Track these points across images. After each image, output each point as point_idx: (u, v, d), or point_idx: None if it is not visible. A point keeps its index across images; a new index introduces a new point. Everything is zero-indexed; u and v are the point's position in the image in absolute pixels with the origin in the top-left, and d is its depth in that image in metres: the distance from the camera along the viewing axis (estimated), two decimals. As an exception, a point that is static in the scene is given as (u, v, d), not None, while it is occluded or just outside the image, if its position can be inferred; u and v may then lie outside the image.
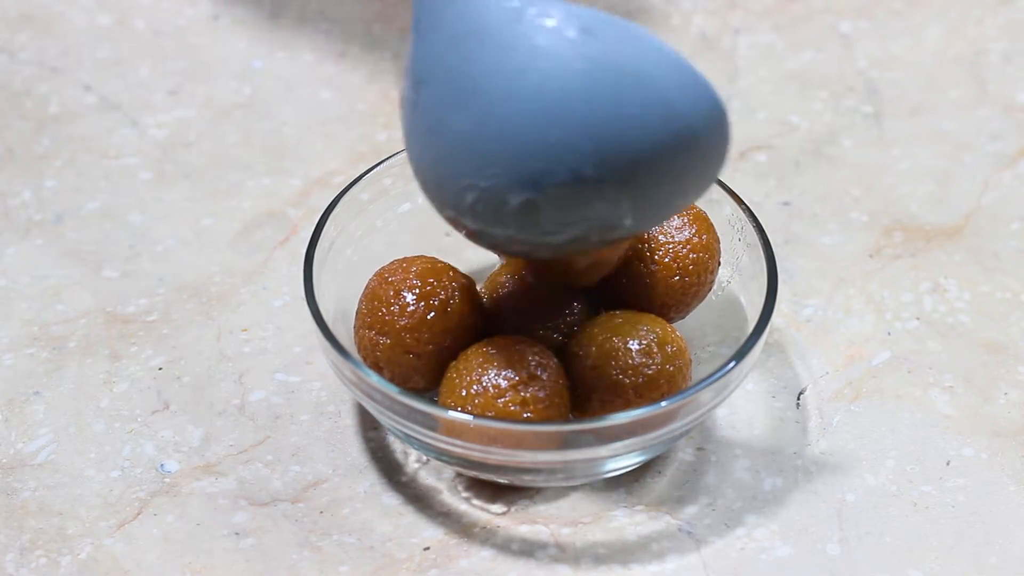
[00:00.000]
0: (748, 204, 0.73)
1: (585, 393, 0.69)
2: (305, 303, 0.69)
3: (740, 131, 0.88)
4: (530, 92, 0.61)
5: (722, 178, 0.74)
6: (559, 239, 0.65)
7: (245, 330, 0.78)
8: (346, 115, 0.89)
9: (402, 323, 0.69)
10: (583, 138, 0.62)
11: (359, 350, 0.70)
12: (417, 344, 0.69)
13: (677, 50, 0.62)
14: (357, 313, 0.71)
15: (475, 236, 0.66)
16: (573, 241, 0.65)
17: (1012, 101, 0.91)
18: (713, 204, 0.74)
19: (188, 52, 0.93)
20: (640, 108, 0.61)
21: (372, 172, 0.75)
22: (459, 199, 0.65)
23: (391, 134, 0.88)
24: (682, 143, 0.62)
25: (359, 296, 0.72)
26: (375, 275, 0.71)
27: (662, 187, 0.64)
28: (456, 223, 0.66)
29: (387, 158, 0.75)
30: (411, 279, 0.70)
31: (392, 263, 0.71)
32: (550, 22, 0.61)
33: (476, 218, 0.65)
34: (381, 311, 0.70)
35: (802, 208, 0.84)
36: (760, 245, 0.71)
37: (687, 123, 0.62)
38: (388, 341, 0.69)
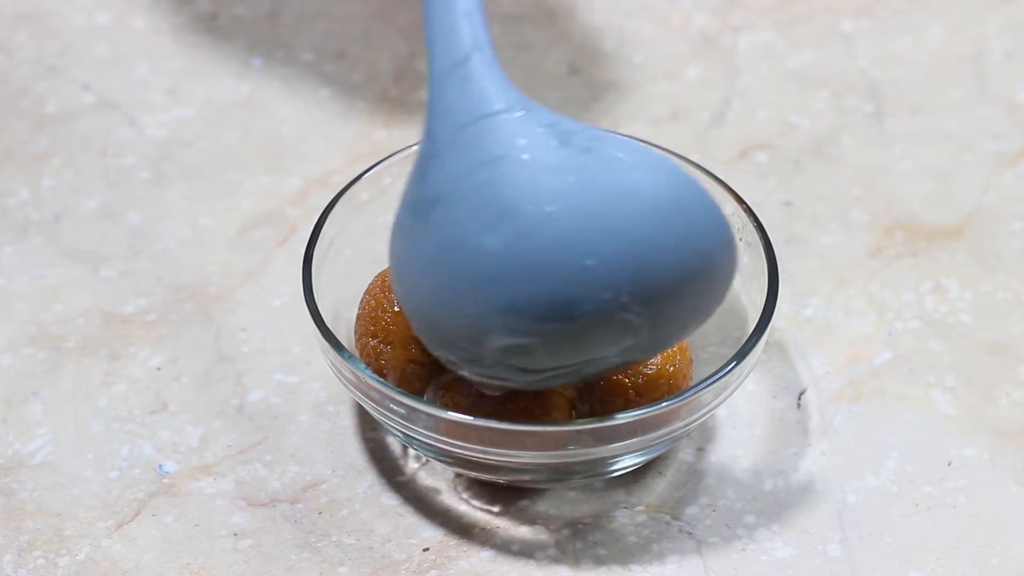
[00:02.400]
0: (749, 204, 0.73)
1: (585, 393, 0.69)
2: (304, 303, 0.69)
3: (740, 130, 0.88)
4: (571, 216, 0.60)
5: (722, 177, 0.74)
6: (574, 369, 0.64)
7: (244, 330, 0.77)
8: (345, 114, 0.89)
9: (408, 333, 0.69)
10: (622, 267, 0.61)
11: (361, 357, 0.70)
12: (422, 353, 0.69)
13: (695, 178, 0.62)
14: (358, 320, 0.71)
15: (473, 365, 0.64)
16: (583, 370, 0.64)
17: (1014, 100, 0.90)
18: (714, 203, 0.73)
19: (187, 51, 0.92)
20: (675, 238, 0.61)
21: (371, 171, 0.74)
22: (470, 327, 0.62)
23: (390, 133, 0.87)
24: (706, 271, 0.62)
25: (359, 296, 0.71)
26: (375, 282, 0.71)
27: (680, 316, 0.63)
28: (458, 355, 0.64)
29: (386, 157, 0.75)
30: None
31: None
32: (594, 145, 0.61)
33: (483, 348, 0.63)
34: (385, 320, 0.69)
35: (803, 208, 0.84)
36: (761, 245, 0.71)
37: (710, 251, 0.62)
38: (392, 350, 0.69)
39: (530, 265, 0.61)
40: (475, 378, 0.65)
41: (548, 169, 0.61)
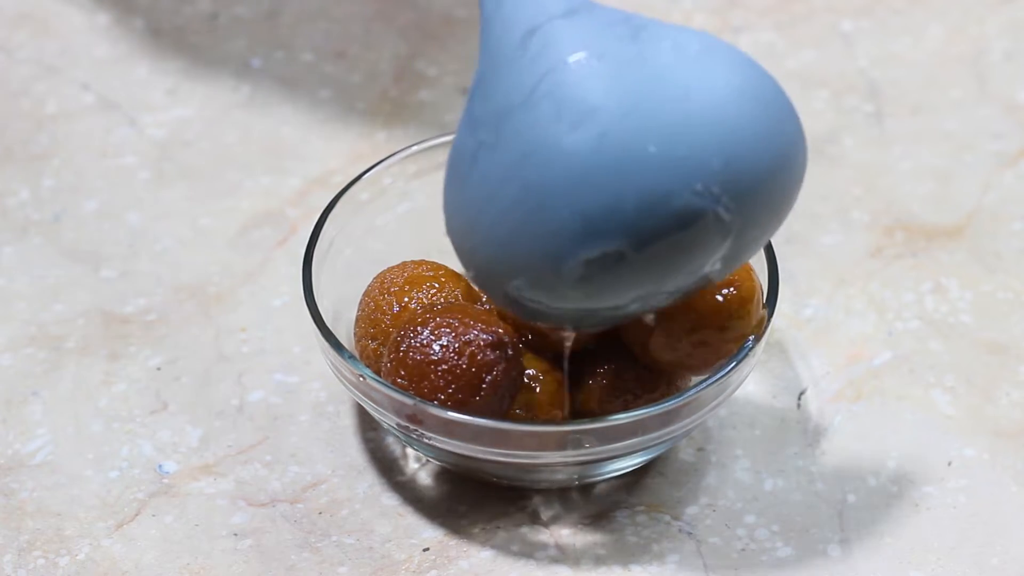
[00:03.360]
0: (749, 203, 0.73)
1: (585, 393, 0.69)
2: (304, 303, 0.69)
3: (740, 130, 0.88)
4: (654, 109, 0.59)
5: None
6: (656, 291, 0.62)
7: (244, 330, 0.77)
8: (345, 114, 0.89)
9: None
10: (711, 156, 0.59)
11: (360, 359, 0.70)
12: None
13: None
14: (357, 322, 0.71)
15: (551, 294, 0.61)
16: (664, 291, 0.62)
17: (1014, 100, 0.90)
18: (714, 203, 0.73)
19: (186, 51, 0.92)
20: (759, 127, 0.60)
21: (371, 172, 0.74)
22: (556, 239, 0.60)
23: (390, 133, 0.87)
24: (787, 164, 0.61)
25: (359, 297, 0.71)
26: (374, 283, 0.71)
27: (763, 216, 0.62)
28: (534, 284, 0.61)
29: (386, 157, 0.75)
30: (411, 288, 0.70)
31: (390, 269, 0.71)
32: (667, 37, 0.60)
33: (567, 266, 0.60)
34: (384, 322, 0.69)
35: (803, 208, 0.84)
36: (761, 245, 0.71)
37: (790, 143, 0.61)
38: None
39: (618, 161, 0.58)
40: (550, 313, 0.62)
41: (624, 63, 0.59)
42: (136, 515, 0.70)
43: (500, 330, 0.66)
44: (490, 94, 0.60)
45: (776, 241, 0.73)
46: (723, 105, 0.59)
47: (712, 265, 0.62)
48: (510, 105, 0.60)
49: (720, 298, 0.66)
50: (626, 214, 0.59)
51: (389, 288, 0.70)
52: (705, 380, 0.67)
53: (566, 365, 0.69)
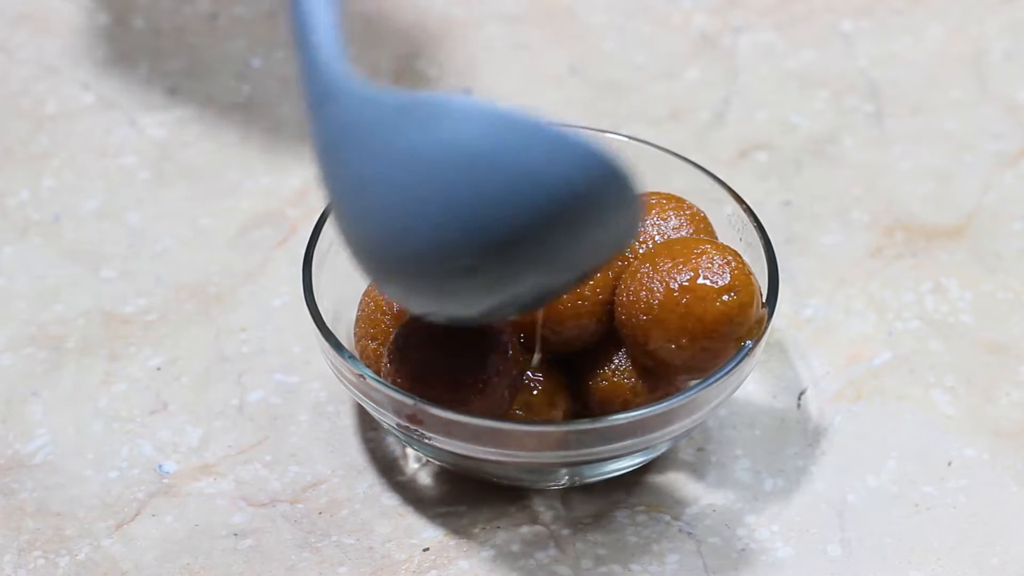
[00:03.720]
0: (748, 204, 0.73)
1: (585, 393, 0.69)
2: (304, 303, 0.69)
3: (740, 130, 0.88)
4: (390, 180, 0.59)
5: (722, 178, 0.74)
6: (481, 309, 0.63)
7: (244, 330, 0.77)
8: (345, 114, 0.89)
9: None
10: (451, 225, 0.58)
11: (361, 359, 0.70)
12: None
13: (543, 121, 0.58)
14: (357, 322, 0.71)
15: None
16: (498, 310, 0.63)
17: (1014, 100, 0.90)
18: (713, 204, 0.73)
19: (187, 51, 0.92)
20: (498, 191, 0.57)
21: (371, 171, 0.74)
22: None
23: (390, 133, 0.87)
24: (562, 211, 0.58)
25: (359, 297, 0.71)
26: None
27: (562, 253, 0.60)
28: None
29: (386, 157, 0.75)
30: None
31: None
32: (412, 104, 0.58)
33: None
34: (384, 323, 0.69)
35: (803, 208, 0.84)
36: (761, 245, 0.71)
37: (560, 191, 0.58)
38: None
39: (370, 218, 0.60)
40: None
41: (369, 128, 0.59)
42: (136, 515, 0.70)
43: (499, 329, 0.66)
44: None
45: (776, 241, 0.73)
46: (448, 174, 0.58)
47: (531, 295, 0.62)
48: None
49: (720, 303, 0.66)
50: (392, 265, 0.61)
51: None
52: (705, 380, 0.67)
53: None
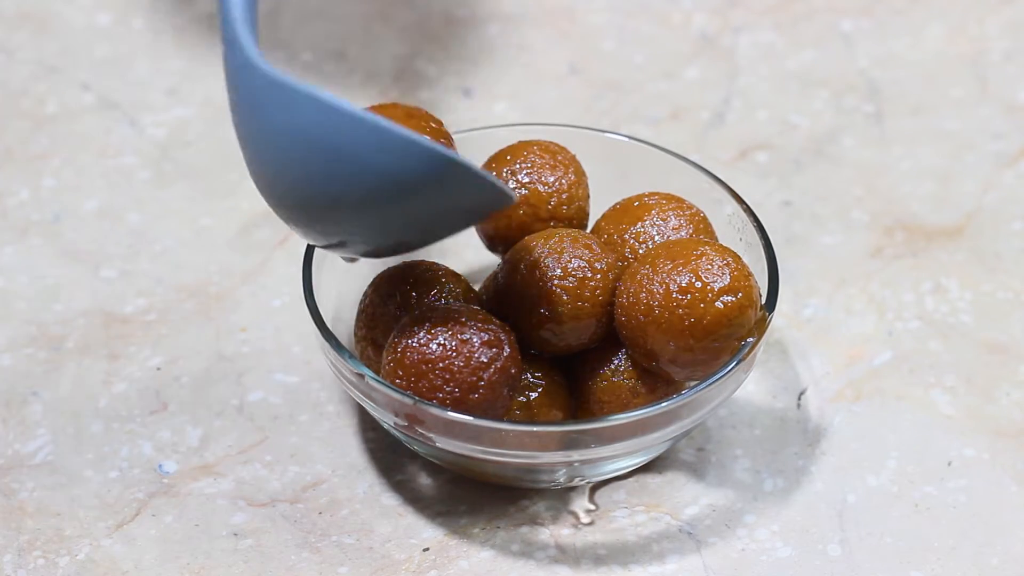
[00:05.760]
0: (749, 204, 0.73)
1: (585, 393, 0.69)
2: (304, 303, 0.69)
3: (740, 130, 0.88)
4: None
5: (722, 178, 0.74)
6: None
7: (244, 330, 0.77)
8: (345, 114, 0.89)
9: None
10: (302, 194, 0.65)
11: (361, 359, 0.70)
12: None
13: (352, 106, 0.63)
14: (357, 322, 0.71)
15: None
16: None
17: (1014, 100, 0.90)
18: (713, 204, 0.73)
19: (187, 51, 0.92)
20: (331, 167, 0.64)
21: (371, 171, 0.74)
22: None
23: (390, 133, 0.87)
24: (382, 188, 0.63)
25: (358, 297, 0.71)
26: (373, 284, 0.71)
27: (406, 220, 0.65)
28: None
29: (386, 157, 0.75)
30: (411, 288, 0.70)
31: (390, 270, 0.71)
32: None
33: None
34: (384, 323, 0.69)
35: (803, 208, 0.84)
36: (761, 245, 0.71)
37: (378, 171, 0.63)
38: None
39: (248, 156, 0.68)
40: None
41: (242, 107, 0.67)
42: (136, 515, 0.70)
43: (498, 329, 0.66)
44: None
45: (776, 241, 0.73)
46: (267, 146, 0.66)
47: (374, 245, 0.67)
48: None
49: (720, 305, 0.66)
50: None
51: (389, 289, 0.70)
52: (705, 380, 0.67)
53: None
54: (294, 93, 0.64)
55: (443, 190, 0.63)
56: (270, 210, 0.83)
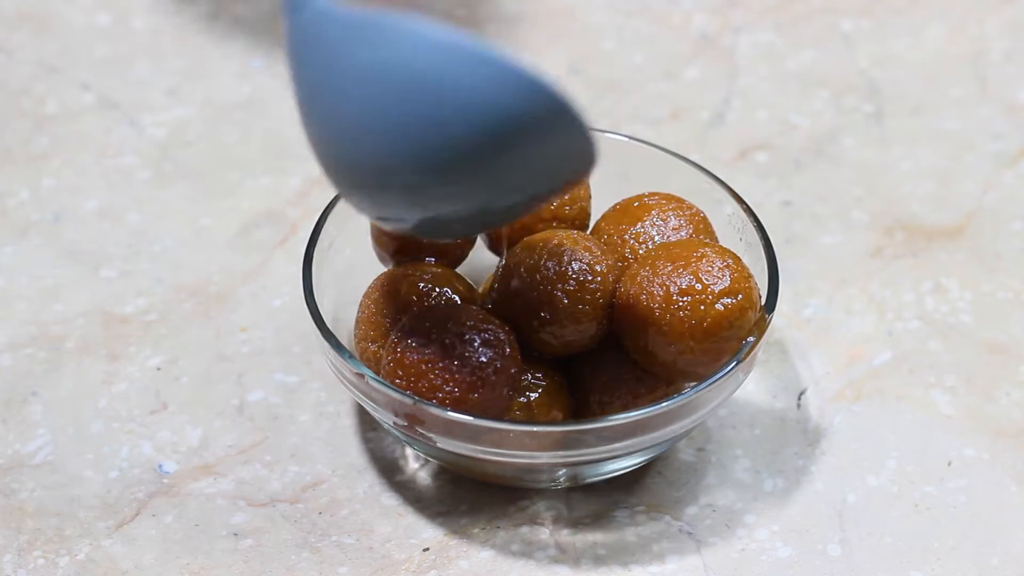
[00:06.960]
0: (749, 204, 0.73)
1: (585, 392, 0.69)
2: (304, 303, 0.69)
3: (741, 130, 0.88)
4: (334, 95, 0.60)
5: (722, 178, 0.74)
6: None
7: (244, 330, 0.77)
8: (345, 114, 0.89)
9: None
10: (391, 152, 0.59)
11: (361, 360, 0.70)
12: None
13: (476, 42, 0.57)
14: (357, 324, 0.71)
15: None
16: (446, 226, 0.64)
17: (1014, 100, 0.90)
18: (714, 204, 0.73)
19: (187, 51, 0.93)
20: (438, 111, 0.58)
21: (371, 171, 0.74)
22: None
23: (390, 133, 0.87)
24: (500, 136, 0.58)
25: (358, 297, 0.71)
26: (374, 285, 0.71)
27: (507, 177, 0.60)
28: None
29: (386, 157, 0.75)
30: (411, 289, 0.70)
31: (390, 271, 0.71)
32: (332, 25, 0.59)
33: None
34: (384, 324, 0.69)
35: (803, 208, 0.84)
36: (761, 245, 0.71)
37: (497, 116, 0.57)
38: None
39: (322, 126, 0.62)
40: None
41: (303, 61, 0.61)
42: (136, 515, 0.70)
43: (497, 329, 0.66)
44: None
45: (776, 241, 0.73)
46: (392, 97, 0.59)
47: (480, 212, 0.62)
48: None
49: (721, 307, 0.66)
50: (351, 174, 0.62)
51: (389, 290, 0.70)
52: (705, 381, 0.67)
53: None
54: (386, 27, 0.57)
55: (547, 138, 0.58)
56: (270, 210, 0.83)
